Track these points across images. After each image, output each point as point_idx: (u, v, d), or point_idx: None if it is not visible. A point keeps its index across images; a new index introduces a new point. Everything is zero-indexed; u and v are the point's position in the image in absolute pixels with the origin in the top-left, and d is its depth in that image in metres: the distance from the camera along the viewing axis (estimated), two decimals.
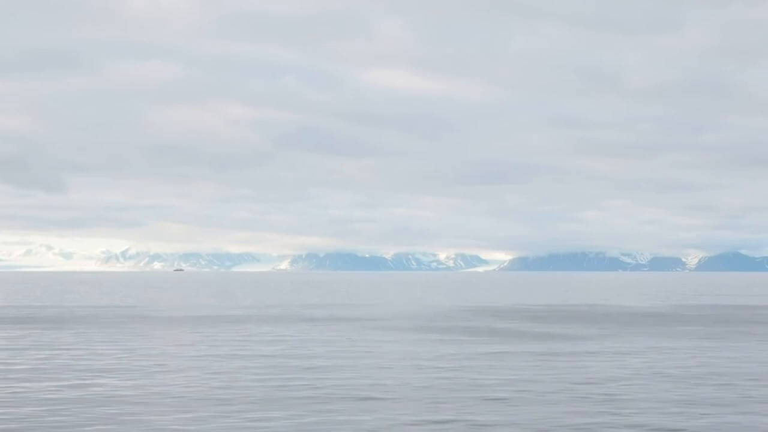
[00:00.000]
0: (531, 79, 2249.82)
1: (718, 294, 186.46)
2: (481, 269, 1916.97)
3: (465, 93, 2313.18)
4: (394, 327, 77.18)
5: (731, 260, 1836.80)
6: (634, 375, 43.55)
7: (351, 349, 56.79)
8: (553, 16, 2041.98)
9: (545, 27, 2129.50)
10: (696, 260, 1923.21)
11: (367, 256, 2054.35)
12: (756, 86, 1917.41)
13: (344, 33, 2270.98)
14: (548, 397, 36.10)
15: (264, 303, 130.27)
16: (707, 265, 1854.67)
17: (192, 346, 58.29)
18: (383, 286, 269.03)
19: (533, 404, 34.43)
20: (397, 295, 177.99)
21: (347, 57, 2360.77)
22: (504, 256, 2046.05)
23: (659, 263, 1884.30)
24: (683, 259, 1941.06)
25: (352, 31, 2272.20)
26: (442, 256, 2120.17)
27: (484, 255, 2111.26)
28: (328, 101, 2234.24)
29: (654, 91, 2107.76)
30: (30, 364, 46.96)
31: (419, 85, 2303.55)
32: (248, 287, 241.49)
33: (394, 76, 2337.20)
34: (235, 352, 53.99)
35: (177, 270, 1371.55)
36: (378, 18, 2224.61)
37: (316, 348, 57.13)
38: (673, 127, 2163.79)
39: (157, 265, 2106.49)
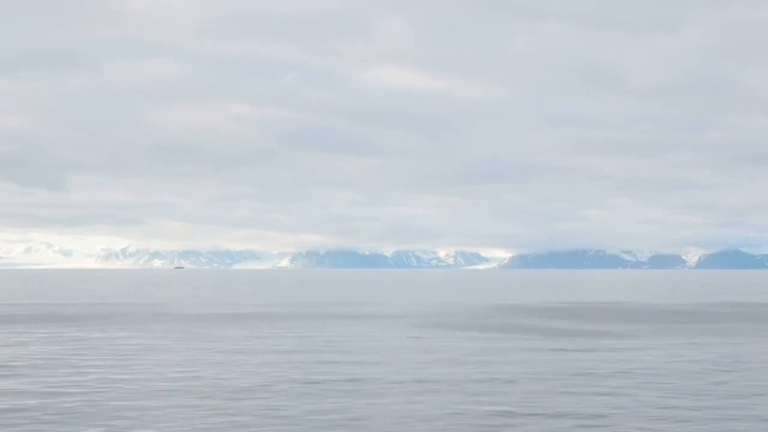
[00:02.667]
0: (532, 78, 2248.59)
1: (736, 292, 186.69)
2: (481, 267, 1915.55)
3: (466, 92, 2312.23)
4: (439, 325, 77.27)
5: (731, 258, 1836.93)
6: (720, 368, 43.96)
7: (425, 346, 56.94)
8: (553, 16, 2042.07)
9: (546, 26, 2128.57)
10: (696, 258, 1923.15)
11: (367, 253, 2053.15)
12: (756, 85, 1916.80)
13: (345, 32, 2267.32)
14: (667, 385, 36.42)
15: (287, 301, 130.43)
16: (707, 262, 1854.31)
17: (270, 341, 58.41)
18: (392, 283, 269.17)
19: (660, 392, 34.75)
20: (414, 292, 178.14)
21: (348, 56, 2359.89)
22: (504, 254, 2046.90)
23: (659, 261, 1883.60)
24: (683, 257, 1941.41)
25: (353, 30, 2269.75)
26: (442, 254, 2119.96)
27: (484, 253, 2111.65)
28: (329, 100, 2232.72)
29: (655, 91, 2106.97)
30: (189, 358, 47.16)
31: (420, 84, 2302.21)
32: (259, 285, 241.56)
33: (395, 75, 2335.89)
34: (320, 347, 54.23)
35: (177, 268, 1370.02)
36: (379, 17, 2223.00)
37: (386, 344, 57.25)
38: (673, 127, 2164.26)
39: (157, 263, 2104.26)
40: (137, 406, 33.17)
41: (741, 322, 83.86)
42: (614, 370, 44.94)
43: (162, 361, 47.87)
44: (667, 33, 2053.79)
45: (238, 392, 36.90)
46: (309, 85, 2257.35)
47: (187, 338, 62.25)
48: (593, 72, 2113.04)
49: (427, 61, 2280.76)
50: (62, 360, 48.28)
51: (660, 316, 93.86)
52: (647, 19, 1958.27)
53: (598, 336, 66.27)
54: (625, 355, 52.08)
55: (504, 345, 58.36)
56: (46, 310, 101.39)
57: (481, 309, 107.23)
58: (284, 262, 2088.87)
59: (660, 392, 37.38)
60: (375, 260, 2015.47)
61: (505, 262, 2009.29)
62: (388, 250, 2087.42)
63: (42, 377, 41.24)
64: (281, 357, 50.60)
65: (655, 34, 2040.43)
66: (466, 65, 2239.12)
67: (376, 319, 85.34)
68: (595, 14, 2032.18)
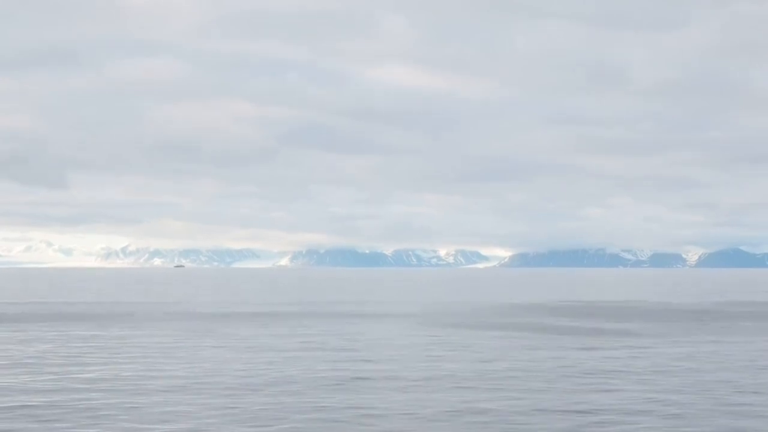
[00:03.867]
0: (533, 77, 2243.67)
1: (741, 291, 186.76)
2: (481, 266, 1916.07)
3: (467, 91, 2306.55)
4: (458, 324, 77.18)
5: (731, 257, 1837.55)
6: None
7: (452, 345, 56.86)
8: (555, 14, 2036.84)
9: (547, 25, 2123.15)
10: (696, 257, 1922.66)
11: (367, 252, 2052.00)
12: (759, 84, 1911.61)
13: (347, 31, 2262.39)
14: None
15: (296, 300, 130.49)
16: (707, 261, 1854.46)
17: (293, 339, 58.31)
18: (396, 282, 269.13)
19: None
20: (420, 291, 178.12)
21: (350, 55, 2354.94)
22: (504, 253, 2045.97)
23: (659, 260, 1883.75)
24: (684, 256, 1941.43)
25: (355, 29, 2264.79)
26: (442, 253, 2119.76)
27: (485, 251, 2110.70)
28: (331, 99, 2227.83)
29: (657, 89, 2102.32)
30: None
31: (422, 82, 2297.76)
32: (264, 284, 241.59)
33: (397, 73, 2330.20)
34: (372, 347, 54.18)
35: (178, 266, 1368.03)
36: (381, 16, 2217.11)
37: (412, 341, 57.19)
38: (676, 125, 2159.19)
39: (157, 262, 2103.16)
40: (185, 401, 33.15)
41: (756, 320, 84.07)
42: (657, 368, 44.95)
43: (199, 358, 47.76)
44: (670, 31, 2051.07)
45: (281, 385, 36.86)
46: (310, 83, 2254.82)
47: (212, 336, 62.16)
48: (595, 71, 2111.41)
49: (429, 60, 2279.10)
50: (91, 357, 48.19)
51: (676, 315, 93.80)
52: (649, 18, 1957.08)
53: (626, 335, 66.23)
54: (661, 354, 52.01)
55: (535, 343, 58.29)
56: (61, 309, 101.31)
57: (495, 308, 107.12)
58: (284, 261, 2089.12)
59: (723, 389, 37.56)
60: (375, 259, 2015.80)
61: (505, 260, 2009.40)
62: (388, 249, 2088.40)
63: (77, 374, 41.16)
64: (312, 354, 50.53)
65: (657, 33, 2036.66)
66: (467, 64, 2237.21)
67: (390, 318, 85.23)
68: (596, 13, 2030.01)
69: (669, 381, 40.54)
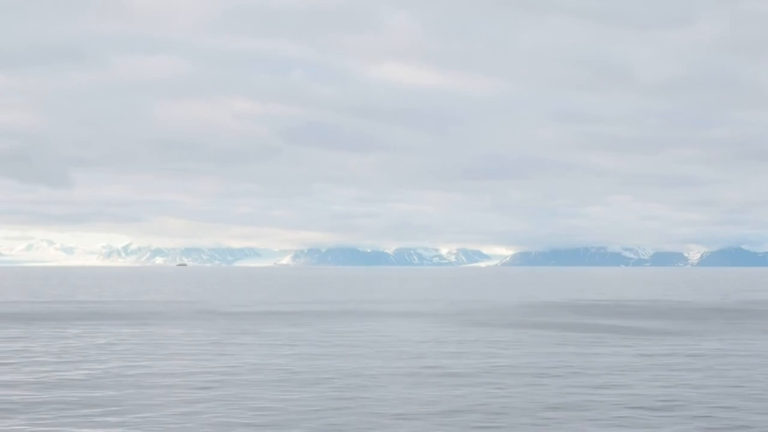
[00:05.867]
0: (539, 73, 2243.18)
1: (758, 290, 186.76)
2: (482, 264, 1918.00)
3: (472, 87, 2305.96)
4: (504, 323, 76.93)
5: (733, 255, 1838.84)
6: None
7: (494, 342, 56.66)
8: (560, 11, 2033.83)
9: (553, 21, 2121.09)
10: (698, 255, 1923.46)
11: (369, 251, 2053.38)
12: (764, 81, 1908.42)
13: (351, 27, 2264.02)
14: None
15: (316, 298, 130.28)
16: (709, 260, 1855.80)
17: (333, 337, 58.11)
18: (405, 281, 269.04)
19: None
20: (435, 290, 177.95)
21: (354, 52, 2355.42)
22: (505, 251, 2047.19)
23: (661, 258, 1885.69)
24: (685, 254, 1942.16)
25: (359, 26, 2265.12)
26: (443, 252, 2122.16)
27: (486, 250, 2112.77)
28: (334, 96, 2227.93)
29: (661, 86, 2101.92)
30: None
31: (426, 79, 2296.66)
32: (278, 283, 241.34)
33: (402, 70, 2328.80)
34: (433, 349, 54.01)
35: (180, 265, 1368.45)
36: (386, 12, 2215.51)
37: (478, 345, 56.98)
38: (680, 122, 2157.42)
39: (158, 261, 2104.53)
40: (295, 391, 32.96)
41: None
42: (737, 368, 44.81)
43: (245, 355, 47.51)
44: (674, 28, 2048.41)
45: (351, 378, 36.68)
46: (314, 80, 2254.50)
47: (255, 335, 61.87)
48: (600, 67, 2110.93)
49: (434, 57, 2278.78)
50: (161, 352, 47.93)
51: (709, 313, 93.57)
52: (654, 14, 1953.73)
53: (672, 334, 66.03)
54: (724, 352, 51.86)
55: (596, 342, 58.06)
56: (89, 308, 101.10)
57: (518, 306, 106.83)
58: (286, 260, 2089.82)
59: None
60: (377, 258, 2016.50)
61: (507, 259, 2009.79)
62: (390, 247, 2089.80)
63: (163, 367, 40.95)
64: (364, 351, 50.23)
65: (661, 29, 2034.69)
66: (471, 61, 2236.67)
67: (419, 317, 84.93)
68: (601, 9, 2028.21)
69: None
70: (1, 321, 76.42)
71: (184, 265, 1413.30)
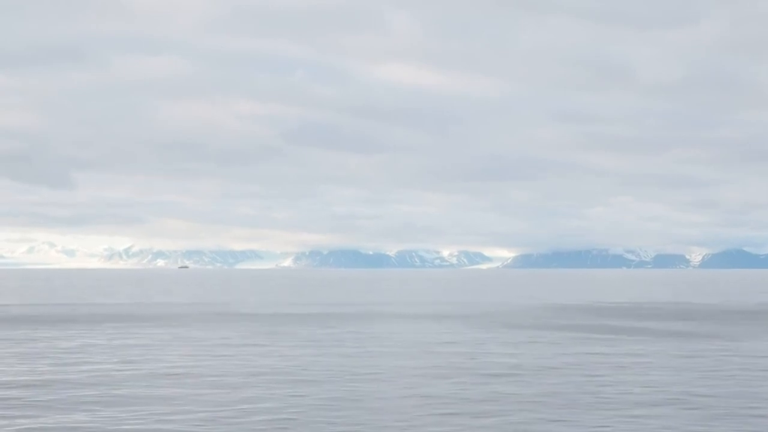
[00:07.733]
0: (539, 73, 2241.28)
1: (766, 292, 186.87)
2: (484, 266, 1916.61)
3: (472, 87, 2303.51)
4: (524, 325, 76.62)
5: (735, 257, 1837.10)
6: None
7: (535, 343, 56.34)
8: (561, 11, 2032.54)
9: (553, 21, 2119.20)
10: (700, 257, 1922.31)
11: (370, 253, 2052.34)
12: (764, 81, 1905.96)
13: (352, 28, 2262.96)
14: None
15: (335, 301, 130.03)
16: (711, 262, 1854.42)
17: (365, 340, 57.80)
18: (413, 283, 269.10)
19: None
20: (447, 292, 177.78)
21: (355, 52, 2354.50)
22: (507, 254, 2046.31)
23: (663, 260, 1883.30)
24: (687, 257, 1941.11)
25: (360, 26, 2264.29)
26: (445, 254, 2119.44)
27: (487, 252, 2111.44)
28: (336, 96, 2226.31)
29: (663, 86, 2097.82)
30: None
31: (427, 80, 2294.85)
32: (287, 286, 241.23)
33: (403, 70, 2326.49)
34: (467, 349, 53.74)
35: (182, 267, 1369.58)
36: (386, 12, 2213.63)
37: (515, 346, 56.68)
38: (680, 123, 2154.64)
39: (160, 263, 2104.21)
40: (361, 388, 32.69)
41: None
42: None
43: (283, 356, 47.20)
44: (675, 28, 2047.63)
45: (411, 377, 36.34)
46: (315, 81, 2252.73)
47: (282, 335, 61.49)
48: (600, 67, 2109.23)
49: (434, 57, 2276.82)
50: (201, 354, 47.63)
51: (731, 316, 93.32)
52: (654, 14, 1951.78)
53: (706, 337, 65.73)
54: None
55: (624, 346, 57.70)
56: (111, 310, 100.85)
57: (540, 309, 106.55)
58: (287, 262, 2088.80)
59: None
60: (378, 260, 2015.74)
61: (508, 261, 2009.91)
62: (392, 249, 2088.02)
63: (214, 366, 40.63)
64: (409, 350, 49.89)
65: (662, 29, 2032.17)
66: (472, 61, 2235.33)
67: (444, 319, 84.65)
68: (601, 9, 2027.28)
69: None
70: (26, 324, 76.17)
71: (186, 267, 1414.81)
